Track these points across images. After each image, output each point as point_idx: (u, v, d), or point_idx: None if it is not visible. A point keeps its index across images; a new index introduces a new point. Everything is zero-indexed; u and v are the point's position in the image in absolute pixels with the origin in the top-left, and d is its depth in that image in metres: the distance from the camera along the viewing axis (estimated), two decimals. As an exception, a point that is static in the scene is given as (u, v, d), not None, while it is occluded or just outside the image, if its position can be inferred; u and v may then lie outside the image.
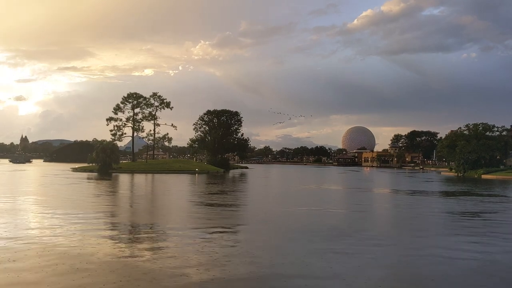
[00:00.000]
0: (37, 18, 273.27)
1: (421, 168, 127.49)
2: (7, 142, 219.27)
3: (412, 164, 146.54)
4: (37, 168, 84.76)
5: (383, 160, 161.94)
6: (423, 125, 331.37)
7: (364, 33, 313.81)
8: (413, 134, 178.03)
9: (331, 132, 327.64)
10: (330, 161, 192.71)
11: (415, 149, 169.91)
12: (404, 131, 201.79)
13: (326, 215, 22.16)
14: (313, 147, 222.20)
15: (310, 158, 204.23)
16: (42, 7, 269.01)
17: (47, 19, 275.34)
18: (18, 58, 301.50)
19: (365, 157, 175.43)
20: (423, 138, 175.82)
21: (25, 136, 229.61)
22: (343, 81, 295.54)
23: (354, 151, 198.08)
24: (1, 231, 14.75)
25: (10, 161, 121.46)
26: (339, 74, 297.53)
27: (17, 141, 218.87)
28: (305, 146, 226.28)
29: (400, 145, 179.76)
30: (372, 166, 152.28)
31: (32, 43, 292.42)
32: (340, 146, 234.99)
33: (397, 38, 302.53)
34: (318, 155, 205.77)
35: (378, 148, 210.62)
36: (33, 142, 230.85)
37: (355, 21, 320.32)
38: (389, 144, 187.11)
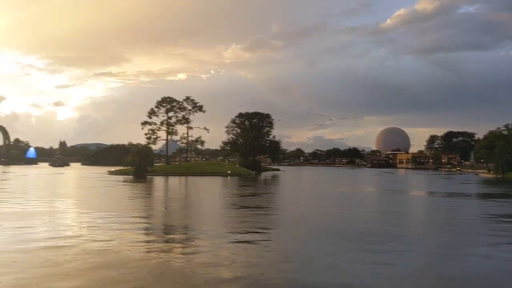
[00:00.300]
0: (74, 25, 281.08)
1: (458, 170, 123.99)
2: (47, 146, 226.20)
3: (449, 166, 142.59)
4: (75, 171, 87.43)
5: (418, 161, 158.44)
6: (459, 125, 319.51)
7: (397, 33, 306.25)
8: (449, 135, 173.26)
9: (364, 134, 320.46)
10: (364, 162, 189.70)
11: (451, 150, 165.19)
12: (439, 131, 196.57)
13: (359, 217, 21.96)
14: (346, 148, 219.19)
15: (343, 160, 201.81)
16: (78, 14, 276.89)
17: (83, 26, 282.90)
18: (57, 65, 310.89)
19: (399, 159, 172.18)
20: (459, 138, 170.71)
21: (64, 141, 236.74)
22: (376, 81, 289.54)
23: (388, 152, 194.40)
24: (42, 233, 15.38)
25: (49, 165, 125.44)
26: (371, 74, 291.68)
27: (56, 145, 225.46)
28: (337, 148, 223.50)
29: (436, 146, 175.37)
30: (407, 168, 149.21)
31: (69, 50, 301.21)
32: (374, 148, 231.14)
33: (431, 37, 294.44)
34: (351, 157, 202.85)
35: (413, 149, 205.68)
36: (71, 146, 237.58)
37: (388, 21, 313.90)
38: (425, 145, 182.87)
